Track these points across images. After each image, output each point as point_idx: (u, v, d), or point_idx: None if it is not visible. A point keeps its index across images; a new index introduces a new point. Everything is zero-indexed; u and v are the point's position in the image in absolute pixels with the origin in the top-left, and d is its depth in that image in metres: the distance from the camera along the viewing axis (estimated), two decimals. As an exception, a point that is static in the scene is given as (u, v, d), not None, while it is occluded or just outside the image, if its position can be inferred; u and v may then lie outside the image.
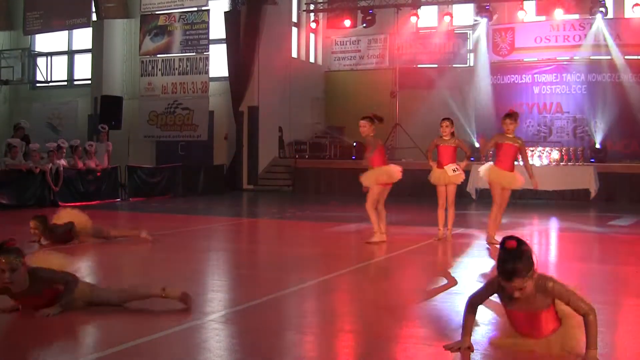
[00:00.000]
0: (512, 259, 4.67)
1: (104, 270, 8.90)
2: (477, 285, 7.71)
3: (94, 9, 24.54)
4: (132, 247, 10.73)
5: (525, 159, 11.07)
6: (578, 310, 4.78)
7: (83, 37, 26.00)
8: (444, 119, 11.30)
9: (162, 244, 11.13)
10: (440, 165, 11.09)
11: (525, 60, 23.94)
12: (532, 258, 4.73)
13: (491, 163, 11.00)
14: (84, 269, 8.91)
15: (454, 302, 6.82)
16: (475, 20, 24.20)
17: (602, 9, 21.82)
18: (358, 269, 8.60)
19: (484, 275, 8.20)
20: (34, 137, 19.81)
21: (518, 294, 4.73)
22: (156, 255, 9.92)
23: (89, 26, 24.67)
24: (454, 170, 10.96)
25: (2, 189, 16.28)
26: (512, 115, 10.67)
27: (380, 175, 10.54)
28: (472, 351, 4.94)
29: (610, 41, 22.17)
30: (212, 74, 24.21)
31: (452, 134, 11.12)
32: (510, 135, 10.67)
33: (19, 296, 5.83)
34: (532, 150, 20.52)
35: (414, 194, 18.51)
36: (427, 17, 25.14)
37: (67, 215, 10.75)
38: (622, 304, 6.87)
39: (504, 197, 10.83)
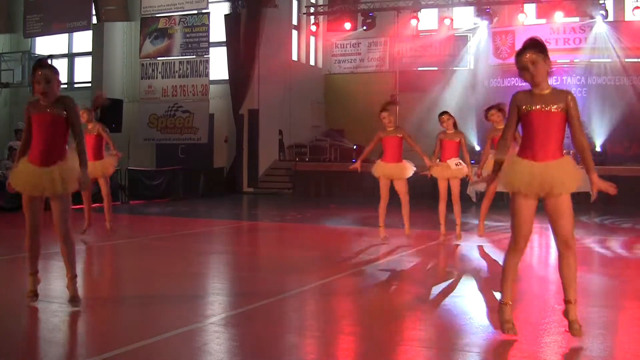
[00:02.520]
0: (529, 40, 5.32)
1: (103, 273, 8.89)
2: (478, 288, 7.72)
3: (94, 12, 24.53)
4: (132, 250, 10.74)
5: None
6: (581, 139, 5.33)
7: (83, 40, 26.00)
8: (442, 114, 11.24)
9: (162, 247, 11.14)
10: (442, 159, 11.07)
11: (525, 63, 23.97)
12: (544, 45, 5.28)
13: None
14: (82, 273, 8.91)
15: (454, 306, 6.82)
16: (476, 23, 24.22)
17: (603, 12, 21.83)
18: (358, 272, 8.59)
19: (484, 276, 8.19)
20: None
21: (531, 67, 5.20)
22: (156, 258, 9.91)
23: (89, 29, 24.67)
24: (456, 165, 10.93)
25: (3, 191, 16.27)
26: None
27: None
28: None
29: (611, 44, 22.19)
30: (212, 76, 24.20)
31: (455, 125, 11.13)
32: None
33: (44, 109, 6.26)
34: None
35: (415, 196, 18.48)
36: (427, 20, 25.15)
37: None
38: (623, 307, 6.87)
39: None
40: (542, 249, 12.03)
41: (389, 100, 11.52)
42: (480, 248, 10.71)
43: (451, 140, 11.02)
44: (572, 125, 5.30)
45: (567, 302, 5.44)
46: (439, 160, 11.13)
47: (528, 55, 5.24)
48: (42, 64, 6.34)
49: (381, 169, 10.94)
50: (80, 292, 7.56)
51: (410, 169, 10.97)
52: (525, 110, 5.33)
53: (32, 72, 6.30)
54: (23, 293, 7.24)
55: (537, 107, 5.29)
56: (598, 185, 5.40)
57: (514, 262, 5.55)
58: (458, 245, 10.86)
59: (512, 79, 23.68)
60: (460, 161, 11.01)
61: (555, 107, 5.26)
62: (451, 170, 10.92)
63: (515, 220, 5.43)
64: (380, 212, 10.96)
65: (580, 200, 18.65)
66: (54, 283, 8.16)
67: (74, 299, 6.37)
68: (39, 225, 6.55)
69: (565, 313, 5.43)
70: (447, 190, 11.10)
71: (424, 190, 15.99)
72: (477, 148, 21.75)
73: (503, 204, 13.63)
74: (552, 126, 5.28)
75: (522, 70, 5.30)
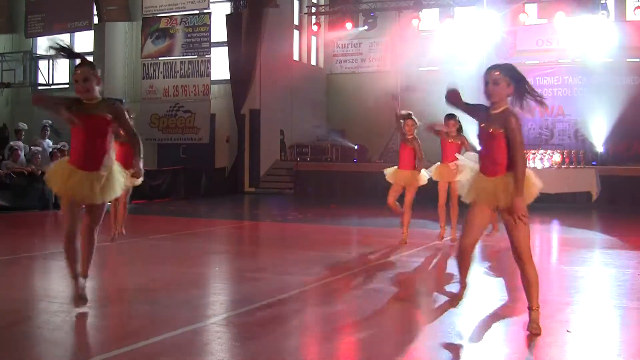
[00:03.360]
0: (505, 64, 5.74)
1: (105, 272, 8.89)
2: (478, 288, 7.72)
3: (95, 12, 24.55)
4: (133, 250, 10.74)
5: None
6: (515, 160, 5.49)
7: (85, 40, 26.01)
8: (450, 118, 10.95)
9: (163, 247, 11.14)
10: (443, 161, 10.93)
11: (526, 63, 23.90)
12: (517, 73, 5.62)
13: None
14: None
15: (459, 311, 6.82)
16: (477, 23, 24.18)
17: (604, 12, 21.82)
18: (359, 272, 8.59)
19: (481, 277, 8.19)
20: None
21: (492, 87, 5.55)
22: (158, 259, 9.91)
23: (90, 29, 24.68)
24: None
25: (4, 191, 16.29)
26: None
27: None
28: None
29: (612, 44, 22.16)
30: (213, 76, 24.21)
31: (460, 129, 11.02)
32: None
33: (85, 110, 6.03)
34: (534, 153, 20.52)
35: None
36: (428, 19, 25.14)
37: None
38: (626, 307, 6.86)
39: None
40: (542, 250, 12.03)
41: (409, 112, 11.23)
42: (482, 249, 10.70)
43: (453, 142, 10.90)
44: (509, 146, 5.54)
45: (530, 309, 5.62)
46: (440, 162, 11.02)
47: (496, 73, 5.59)
48: (81, 61, 6.20)
49: (395, 176, 10.89)
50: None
51: (423, 178, 10.85)
52: (479, 127, 5.76)
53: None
54: (24, 292, 7.26)
55: (483, 125, 5.71)
56: (516, 210, 5.49)
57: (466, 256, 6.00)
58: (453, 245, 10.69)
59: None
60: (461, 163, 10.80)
61: (494, 128, 5.59)
62: (453, 173, 10.46)
63: (467, 225, 5.86)
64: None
65: (581, 201, 18.67)
66: (55, 283, 8.16)
67: (80, 298, 6.17)
68: (76, 233, 6.13)
69: (530, 322, 5.60)
70: (446, 193, 11.00)
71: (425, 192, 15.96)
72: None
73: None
74: (494, 145, 5.61)
75: (485, 85, 5.63)
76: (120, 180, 6.23)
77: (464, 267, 6.07)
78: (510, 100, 5.68)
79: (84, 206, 6.17)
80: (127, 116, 6.36)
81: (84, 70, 6.04)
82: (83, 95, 6.03)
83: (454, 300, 6.34)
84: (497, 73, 5.59)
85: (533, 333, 5.47)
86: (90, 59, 21.91)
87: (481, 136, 5.75)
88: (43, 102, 6.70)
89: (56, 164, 6.32)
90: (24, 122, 19.97)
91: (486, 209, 5.75)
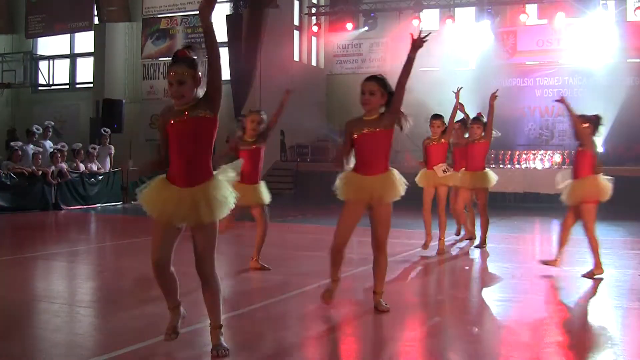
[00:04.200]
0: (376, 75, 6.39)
1: (105, 272, 8.90)
2: (479, 290, 7.72)
3: (96, 13, 24.56)
4: (134, 250, 10.75)
5: None
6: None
7: (85, 41, 26.02)
8: (435, 118, 10.40)
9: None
10: (429, 166, 10.18)
11: (527, 63, 23.94)
12: (390, 85, 6.29)
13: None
14: (86, 272, 8.92)
15: (456, 305, 6.83)
16: (477, 24, 24.20)
17: (605, 13, 21.83)
18: (360, 273, 8.58)
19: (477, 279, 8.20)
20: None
21: (367, 96, 6.16)
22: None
23: (90, 29, 24.69)
24: (444, 171, 10.06)
25: (4, 192, 16.30)
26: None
27: None
28: None
29: (613, 44, 22.17)
30: (214, 77, 24.17)
31: (443, 131, 10.26)
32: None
33: (181, 115, 5.00)
34: (534, 154, 20.53)
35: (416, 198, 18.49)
36: (429, 20, 25.14)
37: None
38: (626, 307, 6.86)
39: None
40: (542, 251, 12.03)
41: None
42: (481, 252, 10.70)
43: (437, 144, 10.20)
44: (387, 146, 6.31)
45: (375, 292, 6.50)
46: (426, 167, 10.30)
47: (372, 84, 6.23)
48: (176, 58, 5.27)
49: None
50: (83, 293, 7.59)
51: (455, 176, 10.55)
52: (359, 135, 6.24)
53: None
54: (24, 293, 7.26)
55: (365, 130, 6.20)
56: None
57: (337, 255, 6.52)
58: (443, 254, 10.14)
59: (515, 79, 23.72)
60: (448, 167, 10.21)
61: (379, 128, 6.18)
62: (439, 177, 10.07)
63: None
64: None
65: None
66: (55, 284, 8.17)
67: (217, 347, 5.06)
68: (167, 260, 5.18)
69: (376, 304, 6.45)
70: (432, 198, 10.25)
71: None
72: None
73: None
74: (379, 144, 6.23)
75: (362, 94, 6.22)
76: (225, 197, 5.04)
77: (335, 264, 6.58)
78: (382, 110, 6.25)
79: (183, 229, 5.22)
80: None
81: (178, 71, 5.12)
82: (177, 100, 5.06)
83: (326, 294, 6.49)
84: (371, 85, 6.21)
85: (383, 310, 6.31)
86: (90, 59, 21.71)
87: (364, 140, 6.21)
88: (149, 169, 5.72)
89: (152, 183, 5.28)
90: (38, 125, 20.03)
91: (360, 207, 6.32)
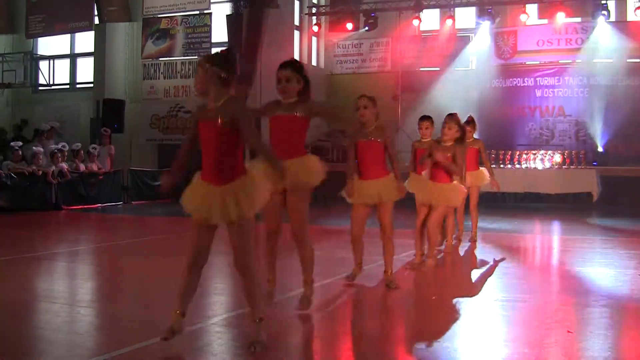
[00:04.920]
0: (290, 60, 6.47)
1: (106, 272, 8.91)
2: (481, 292, 7.73)
3: (96, 13, 24.54)
4: (135, 250, 10.76)
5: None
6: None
7: (85, 41, 26.00)
8: (423, 119, 9.72)
9: (164, 247, 11.15)
10: (419, 170, 9.33)
11: (527, 63, 23.92)
12: (305, 72, 6.34)
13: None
14: (86, 272, 8.93)
15: (459, 306, 6.84)
16: (478, 24, 24.20)
17: (605, 12, 21.81)
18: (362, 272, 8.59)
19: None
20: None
21: (283, 83, 6.27)
22: (159, 259, 9.92)
23: (91, 29, 24.66)
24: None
25: (4, 192, 16.31)
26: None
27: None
28: None
29: (613, 44, 22.15)
30: (214, 77, 24.16)
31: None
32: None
33: (210, 116, 5.11)
34: (535, 154, 20.52)
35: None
36: (429, 20, 25.13)
37: None
38: (626, 307, 6.86)
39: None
40: (543, 251, 12.04)
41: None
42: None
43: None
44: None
45: (305, 282, 6.51)
46: (415, 172, 9.40)
47: (284, 71, 6.28)
48: (214, 55, 5.23)
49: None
50: (84, 292, 7.59)
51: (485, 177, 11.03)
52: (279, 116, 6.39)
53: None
54: (25, 293, 7.26)
55: (283, 114, 6.34)
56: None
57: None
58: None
59: (515, 79, 23.70)
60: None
61: (300, 113, 6.29)
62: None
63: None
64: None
65: (582, 201, 18.66)
66: (56, 284, 8.18)
67: (255, 343, 5.10)
68: (200, 259, 5.26)
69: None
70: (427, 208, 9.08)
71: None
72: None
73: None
74: (297, 129, 6.37)
75: (278, 82, 6.34)
76: (255, 193, 5.14)
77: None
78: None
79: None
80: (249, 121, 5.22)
81: (206, 67, 5.13)
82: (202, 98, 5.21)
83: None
84: (289, 71, 6.24)
85: (305, 308, 6.31)
86: (90, 59, 21.69)
87: (282, 123, 6.32)
88: None
89: (192, 182, 5.39)
90: (55, 122, 20.10)
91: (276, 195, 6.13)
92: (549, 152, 20.72)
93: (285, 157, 5.84)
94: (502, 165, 20.29)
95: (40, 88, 26.81)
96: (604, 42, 22.08)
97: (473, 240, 11.20)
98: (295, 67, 6.29)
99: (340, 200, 7.11)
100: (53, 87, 26.70)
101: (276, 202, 6.21)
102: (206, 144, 5.19)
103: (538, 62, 23.85)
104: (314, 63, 27.89)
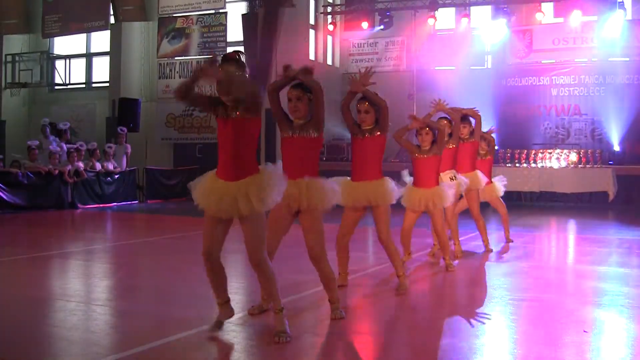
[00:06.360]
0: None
1: (121, 271, 8.93)
2: (490, 289, 7.71)
3: (112, 12, 24.63)
4: (150, 249, 10.79)
5: None
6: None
7: (101, 40, 26.11)
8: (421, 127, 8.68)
9: (179, 246, 11.18)
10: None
11: (543, 62, 23.81)
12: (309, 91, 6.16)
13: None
14: (102, 271, 8.96)
15: (475, 306, 6.83)
16: (493, 22, 24.11)
17: (621, 10, 21.69)
18: (373, 272, 8.58)
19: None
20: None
21: (294, 102, 6.10)
22: (174, 258, 9.94)
23: (107, 29, 24.75)
24: (451, 179, 9.22)
25: (20, 190, 16.40)
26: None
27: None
28: None
29: (629, 42, 22.02)
30: (229, 76, 24.17)
31: (434, 142, 8.79)
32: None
33: (226, 113, 5.34)
34: (550, 153, 20.44)
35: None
36: (444, 19, 25.07)
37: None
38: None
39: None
40: (559, 250, 12.00)
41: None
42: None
43: (427, 157, 8.48)
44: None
45: (330, 300, 6.28)
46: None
47: (295, 92, 6.13)
48: (227, 56, 5.39)
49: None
50: (99, 291, 7.62)
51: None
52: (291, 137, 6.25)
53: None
54: (40, 291, 7.30)
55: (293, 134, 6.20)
56: None
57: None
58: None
59: (530, 78, 23.60)
60: (456, 174, 9.40)
61: (311, 134, 6.16)
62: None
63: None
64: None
65: (598, 200, 18.59)
66: (72, 282, 8.21)
67: (279, 334, 5.34)
68: (217, 252, 5.52)
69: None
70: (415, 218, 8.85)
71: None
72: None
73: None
74: (305, 150, 6.20)
75: (289, 101, 6.15)
76: (266, 190, 5.32)
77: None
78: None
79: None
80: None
81: (228, 68, 5.28)
82: (224, 99, 5.29)
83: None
84: (298, 92, 6.14)
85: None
86: (106, 58, 21.82)
87: (294, 144, 6.18)
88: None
89: (204, 177, 5.62)
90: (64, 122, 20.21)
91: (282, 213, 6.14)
92: (565, 151, 20.62)
93: (297, 177, 6.01)
94: (517, 165, 20.23)
95: (57, 87, 26.94)
96: (620, 40, 21.94)
97: (488, 250, 10.44)
98: (304, 87, 6.17)
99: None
100: (69, 87, 26.82)
101: (284, 220, 6.25)
102: (223, 140, 5.39)
103: (554, 61, 23.72)
104: (329, 62, 27.88)
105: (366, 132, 7.25)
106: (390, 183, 7.20)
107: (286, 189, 5.57)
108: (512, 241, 11.23)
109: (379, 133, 7.22)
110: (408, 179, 8.82)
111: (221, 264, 5.56)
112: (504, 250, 10.66)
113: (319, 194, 5.98)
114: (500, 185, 11.06)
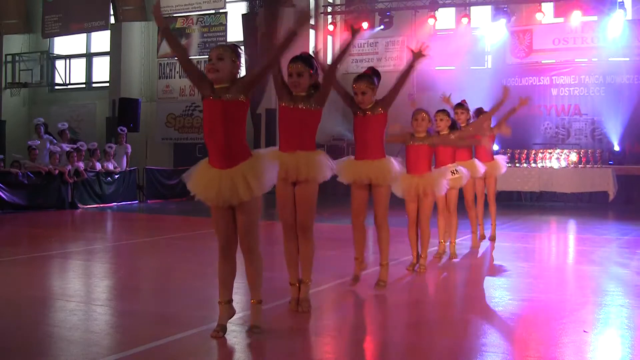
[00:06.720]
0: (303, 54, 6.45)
1: (122, 271, 8.93)
2: (494, 288, 7.71)
3: (112, 12, 24.66)
4: (150, 249, 10.79)
5: None
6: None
7: (101, 40, 26.13)
8: (438, 112, 9.25)
9: (179, 246, 11.17)
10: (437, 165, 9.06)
11: (543, 62, 23.80)
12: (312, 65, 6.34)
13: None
14: (102, 270, 8.96)
15: (475, 306, 6.82)
16: (493, 22, 24.10)
17: (621, 10, 21.69)
18: (376, 272, 8.58)
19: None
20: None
21: (295, 77, 6.20)
22: (174, 257, 9.94)
23: (107, 29, 24.78)
24: (452, 173, 9.02)
25: (21, 190, 16.40)
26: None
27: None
28: None
29: (629, 42, 22.01)
30: (229, 76, 24.19)
31: (453, 125, 9.26)
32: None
33: (214, 94, 5.25)
34: (550, 153, 20.44)
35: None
36: (444, 19, 25.07)
37: None
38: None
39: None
40: (559, 250, 12.00)
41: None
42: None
43: (421, 144, 8.46)
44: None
45: (301, 281, 6.30)
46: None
47: (296, 65, 6.25)
48: (227, 44, 5.52)
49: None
50: (99, 291, 7.62)
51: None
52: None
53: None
54: (41, 291, 7.30)
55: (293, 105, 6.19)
56: None
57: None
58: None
59: (530, 78, 23.59)
60: (459, 168, 9.23)
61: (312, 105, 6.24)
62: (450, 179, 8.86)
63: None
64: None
65: (598, 200, 18.58)
66: (72, 282, 8.21)
67: (254, 328, 5.47)
68: (231, 243, 5.42)
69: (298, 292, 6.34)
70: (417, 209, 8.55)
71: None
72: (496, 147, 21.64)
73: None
74: (304, 122, 6.22)
75: (289, 76, 6.21)
76: (262, 173, 5.27)
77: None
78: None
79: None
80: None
81: (219, 49, 5.39)
82: (213, 76, 5.26)
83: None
84: (300, 65, 6.27)
85: (305, 311, 6.12)
86: (106, 58, 21.80)
87: (293, 115, 6.20)
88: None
89: (197, 166, 5.41)
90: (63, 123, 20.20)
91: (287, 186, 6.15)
92: (565, 151, 20.63)
93: (295, 149, 6.05)
94: (517, 164, 20.23)
95: (57, 87, 26.96)
96: (620, 40, 21.93)
97: (493, 239, 10.84)
98: (306, 61, 6.27)
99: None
100: (69, 87, 26.85)
101: (289, 194, 6.18)
102: (212, 124, 5.23)
103: (554, 61, 23.72)
104: (329, 62, 27.85)
105: (367, 110, 7.34)
106: (392, 163, 7.20)
107: (283, 161, 5.72)
108: (486, 239, 10.98)
109: (381, 109, 7.41)
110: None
111: (235, 261, 5.51)
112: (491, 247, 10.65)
113: (315, 167, 6.04)
114: (502, 162, 10.99)
